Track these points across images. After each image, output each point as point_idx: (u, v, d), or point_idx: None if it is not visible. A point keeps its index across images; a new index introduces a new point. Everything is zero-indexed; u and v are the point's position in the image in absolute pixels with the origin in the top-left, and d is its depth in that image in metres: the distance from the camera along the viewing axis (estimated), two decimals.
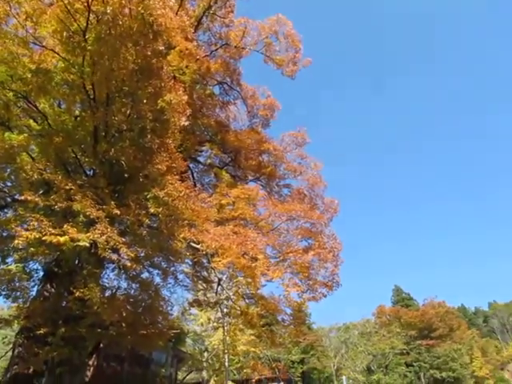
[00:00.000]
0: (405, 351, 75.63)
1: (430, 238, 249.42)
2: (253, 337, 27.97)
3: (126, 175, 13.27)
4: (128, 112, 12.75)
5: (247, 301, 18.09)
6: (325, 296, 15.29)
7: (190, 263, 19.21)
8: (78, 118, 12.84)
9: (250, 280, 13.71)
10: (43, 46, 11.35)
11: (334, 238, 15.80)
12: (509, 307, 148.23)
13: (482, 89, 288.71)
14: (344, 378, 57.42)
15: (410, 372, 73.80)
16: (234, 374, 43.69)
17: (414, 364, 74.42)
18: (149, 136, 12.94)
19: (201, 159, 22.49)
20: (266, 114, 22.28)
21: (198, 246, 14.15)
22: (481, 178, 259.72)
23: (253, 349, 32.21)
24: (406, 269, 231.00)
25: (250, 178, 20.00)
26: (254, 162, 18.91)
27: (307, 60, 21.97)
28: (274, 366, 49.54)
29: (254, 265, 12.27)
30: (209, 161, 21.69)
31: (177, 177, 12.86)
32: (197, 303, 24.15)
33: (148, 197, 12.01)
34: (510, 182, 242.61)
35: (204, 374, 37.66)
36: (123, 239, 11.61)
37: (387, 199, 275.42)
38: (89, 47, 10.84)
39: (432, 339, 76.46)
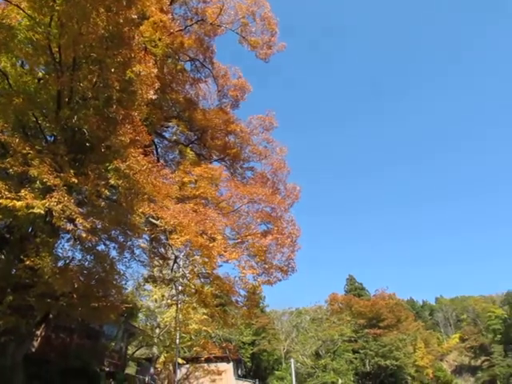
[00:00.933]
0: (353, 339, 77.86)
1: (386, 233, 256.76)
2: (206, 316, 28.12)
3: (87, 144, 12.91)
4: (94, 80, 12.37)
5: (202, 280, 18.13)
6: (279, 280, 15.52)
7: (148, 239, 19.05)
8: (42, 81, 12.37)
9: (206, 259, 13.74)
10: (7, 1, 10.83)
11: (293, 224, 15.99)
12: (454, 302, 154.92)
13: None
14: (292, 360, 58.75)
15: (356, 358, 76.17)
16: (185, 352, 43.92)
17: (361, 351, 76.83)
18: (114, 106, 12.62)
19: (166, 135, 22.16)
20: (236, 94, 22.10)
21: (157, 222, 14.01)
22: (434, 176, 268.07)
23: (205, 328, 32.39)
24: (362, 260, 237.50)
25: (215, 157, 19.89)
26: (219, 142, 18.78)
27: (282, 44, 21.87)
28: (224, 345, 50.04)
29: (211, 245, 12.27)
30: (174, 137, 21.40)
31: (140, 150, 12.63)
32: (152, 279, 24.04)
33: (109, 168, 11.76)
34: (460, 180, 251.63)
35: (155, 349, 37.67)
36: (80, 209, 11.37)
37: (352, 192, 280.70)
38: (57, 7, 10.41)
39: (380, 328, 79.01)
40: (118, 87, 12.19)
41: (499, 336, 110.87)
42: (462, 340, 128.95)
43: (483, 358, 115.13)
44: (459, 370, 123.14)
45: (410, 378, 77.43)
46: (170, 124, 21.17)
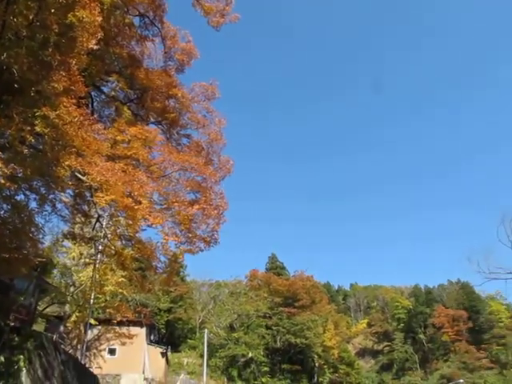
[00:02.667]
0: (268, 315, 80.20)
1: (313, 218, 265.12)
2: (123, 279, 27.76)
3: (16, 86, 12.11)
4: (31, 17, 11.55)
5: (124, 242, 17.82)
6: (201, 250, 15.58)
7: (72, 194, 18.37)
8: None
9: (130, 222, 13.50)
10: None
11: (222, 197, 16.02)
12: (366, 290, 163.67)
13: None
14: (206, 331, 59.57)
15: (269, 334, 78.62)
16: (99, 313, 43.28)
17: (274, 328, 79.31)
18: (50, 50, 11.86)
19: (105, 89, 21.19)
20: (182, 58, 21.49)
21: (83, 178, 13.50)
22: (367, 166, 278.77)
23: (121, 290, 31.99)
24: (287, 242, 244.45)
25: (152, 120, 19.34)
26: (159, 105, 18.26)
27: (235, 16, 21.43)
28: (139, 310, 49.78)
29: (137, 207, 12.04)
30: (113, 93, 20.54)
31: (73, 101, 12.02)
32: (71, 236, 23.19)
33: (36, 115, 11.11)
34: (388, 170, 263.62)
35: (67, 308, 36.79)
36: (1, 154, 10.75)
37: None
38: None
39: (295, 308, 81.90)
40: (56, 30, 11.45)
41: (402, 325, 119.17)
42: (369, 325, 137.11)
43: (385, 343, 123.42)
44: (362, 353, 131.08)
45: (316, 356, 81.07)
46: (109, 79, 20.25)
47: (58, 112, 11.04)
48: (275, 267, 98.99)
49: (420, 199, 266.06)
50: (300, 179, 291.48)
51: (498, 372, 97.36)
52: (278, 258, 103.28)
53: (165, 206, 14.47)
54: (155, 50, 22.47)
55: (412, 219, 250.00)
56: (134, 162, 14.28)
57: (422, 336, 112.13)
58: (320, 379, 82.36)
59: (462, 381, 78.49)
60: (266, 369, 75.23)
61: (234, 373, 71.08)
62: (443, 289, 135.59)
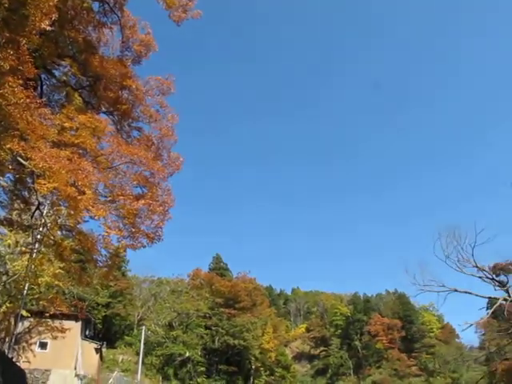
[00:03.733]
0: (208, 315, 79.95)
1: (259, 223, 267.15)
2: (61, 270, 26.80)
3: None
4: None
5: (64, 232, 17.22)
6: (144, 246, 15.26)
7: (12, 179, 17.59)
8: None
9: (72, 212, 13.03)
10: None
11: (169, 194, 15.79)
12: (307, 295, 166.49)
13: None
14: (144, 328, 58.60)
15: (207, 334, 78.41)
16: (32, 304, 41.54)
17: (213, 328, 79.18)
18: None
19: (56, 73, 20.39)
20: (140, 50, 21.01)
21: (25, 163, 12.92)
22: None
23: (57, 282, 30.85)
24: (233, 243, 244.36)
25: (104, 109, 18.77)
26: (112, 95, 17.77)
27: (197, 12, 21.23)
28: (74, 303, 48.17)
29: (80, 197, 11.63)
30: (64, 78, 19.79)
31: (20, 82, 11.49)
32: (8, 222, 22.13)
33: None
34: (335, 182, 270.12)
35: None
36: None
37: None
38: None
39: (235, 309, 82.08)
40: (6, 5, 10.95)
41: (340, 331, 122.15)
42: (308, 330, 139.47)
43: (322, 348, 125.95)
44: (299, 357, 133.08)
45: (254, 358, 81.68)
46: (62, 63, 19.51)
47: (1, 91, 10.53)
48: (219, 268, 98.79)
49: (364, 213, 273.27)
50: (256, 180, 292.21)
51: (425, 379, 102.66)
52: (223, 258, 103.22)
53: (110, 198, 14.08)
54: (113, 38, 21.86)
55: (354, 232, 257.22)
56: (80, 151, 13.81)
57: (357, 343, 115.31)
58: (256, 381, 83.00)
59: None
60: (202, 369, 74.97)
61: (170, 372, 70.32)
62: (381, 298, 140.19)
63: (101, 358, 53.21)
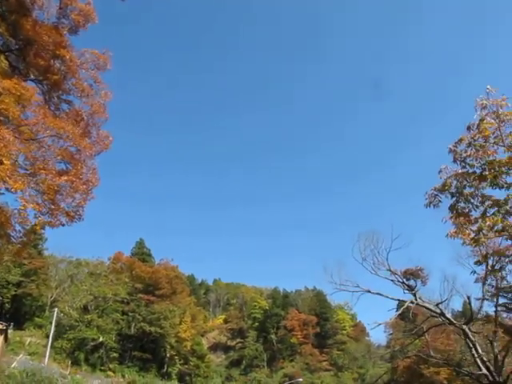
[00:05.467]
0: (126, 300, 78.33)
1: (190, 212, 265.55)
2: None
3: None
4: None
5: None
6: (63, 225, 14.56)
7: None
8: None
9: None
10: None
11: (94, 173, 15.15)
12: (228, 287, 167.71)
13: None
14: (56, 310, 56.33)
15: (123, 320, 76.84)
16: None
17: (130, 314, 77.71)
18: None
19: None
20: (78, 19, 19.90)
21: None
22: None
23: None
24: (160, 229, 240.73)
25: (32, 77, 17.62)
26: (43, 63, 16.72)
27: None
28: None
29: None
30: None
31: None
32: None
33: None
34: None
35: None
36: None
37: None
38: None
39: (154, 296, 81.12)
40: None
41: (257, 324, 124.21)
42: (226, 322, 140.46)
43: (238, 340, 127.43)
44: (215, 348, 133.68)
45: (169, 346, 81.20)
46: None
47: None
48: (141, 253, 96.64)
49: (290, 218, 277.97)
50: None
51: (334, 374, 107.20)
52: (146, 244, 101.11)
53: (30, 171, 13.24)
54: (49, 2, 20.58)
55: (279, 235, 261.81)
56: (1, 118, 12.90)
57: (273, 336, 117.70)
58: (170, 369, 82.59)
59: (301, 379, 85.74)
60: (115, 355, 73.47)
61: (81, 357, 68.24)
62: (299, 294, 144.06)
63: (5, 339, 50.30)
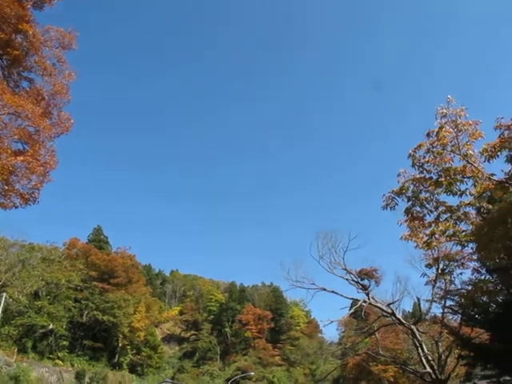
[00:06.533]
0: (79, 288, 76.64)
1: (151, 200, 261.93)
2: None
3: None
4: None
5: None
6: (16, 207, 13.94)
7: None
8: None
9: None
10: None
11: (53, 155, 14.55)
12: (186, 278, 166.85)
13: None
14: (4, 295, 54.33)
15: (76, 308, 75.17)
16: None
17: (83, 302, 76.13)
18: None
19: None
20: None
21: None
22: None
23: None
24: (119, 217, 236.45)
25: None
26: (3, 36, 15.83)
27: None
28: None
29: None
30: None
31: None
32: None
33: None
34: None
35: None
36: None
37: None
38: None
39: (109, 284, 79.81)
40: None
41: (212, 317, 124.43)
42: (181, 313, 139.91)
43: (193, 332, 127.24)
44: (169, 339, 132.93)
45: (122, 336, 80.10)
46: None
47: None
48: (98, 240, 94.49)
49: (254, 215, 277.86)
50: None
51: (285, 369, 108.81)
52: (104, 231, 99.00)
53: None
54: None
55: (240, 231, 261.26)
56: None
57: (228, 329, 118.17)
58: (121, 359, 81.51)
59: (252, 373, 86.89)
60: (65, 343, 71.86)
61: (29, 344, 66.28)
62: (256, 289, 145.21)
63: None
